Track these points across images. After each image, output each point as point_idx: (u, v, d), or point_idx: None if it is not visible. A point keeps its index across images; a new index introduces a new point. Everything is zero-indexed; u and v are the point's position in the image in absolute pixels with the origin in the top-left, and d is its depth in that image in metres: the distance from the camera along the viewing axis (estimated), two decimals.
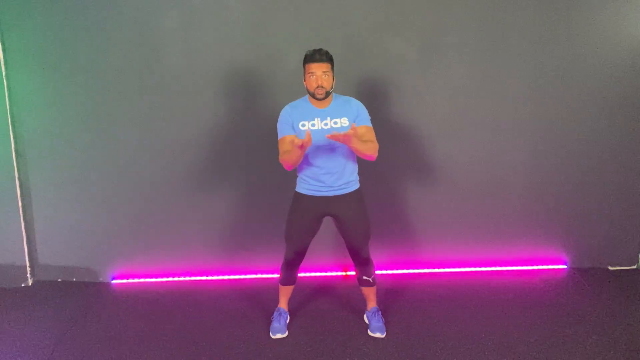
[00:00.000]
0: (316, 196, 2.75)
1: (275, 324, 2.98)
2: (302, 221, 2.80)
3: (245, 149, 3.47)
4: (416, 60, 3.42)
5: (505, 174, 3.62)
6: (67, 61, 3.30)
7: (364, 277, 2.96)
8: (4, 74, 3.31)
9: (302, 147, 2.44)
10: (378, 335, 2.94)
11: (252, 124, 3.42)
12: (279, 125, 2.72)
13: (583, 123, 3.56)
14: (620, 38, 3.42)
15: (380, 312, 3.05)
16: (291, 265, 2.92)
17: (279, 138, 2.72)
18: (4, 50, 3.29)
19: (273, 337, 2.93)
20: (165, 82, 3.35)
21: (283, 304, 3.07)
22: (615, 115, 3.55)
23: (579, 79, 3.48)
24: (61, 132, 3.40)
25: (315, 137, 2.64)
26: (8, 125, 3.36)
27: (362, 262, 2.92)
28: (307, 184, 2.76)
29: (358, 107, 2.73)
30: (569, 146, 3.59)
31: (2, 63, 3.30)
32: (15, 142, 3.42)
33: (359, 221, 2.81)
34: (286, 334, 2.95)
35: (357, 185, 2.82)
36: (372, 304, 3.06)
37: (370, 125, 2.73)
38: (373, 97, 3.42)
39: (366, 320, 3.08)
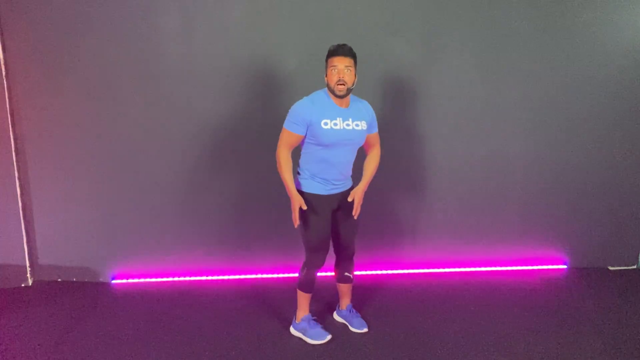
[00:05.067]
0: (328, 194, 2.72)
1: (316, 330, 2.90)
2: (325, 223, 2.73)
3: (246, 149, 3.47)
4: (416, 61, 3.42)
5: (505, 174, 3.62)
6: (67, 61, 3.30)
7: (346, 274, 2.97)
8: (4, 74, 3.31)
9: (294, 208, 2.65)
10: (365, 330, 2.97)
11: (252, 124, 3.42)
12: (292, 116, 2.59)
13: (583, 124, 3.56)
14: (621, 39, 3.43)
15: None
16: (317, 271, 2.85)
17: (286, 127, 2.61)
18: (4, 50, 3.29)
19: (324, 340, 2.86)
20: (165, 82, 3.35)
21: (307, 311, 2.97)
22: (615, 115, 3.55)
23: (579, 80, 3.49)
24: (61, 132, 3.40)
25: (338, 136, 2.59)
26: (8, 125, 3.36)
27: (348, 258, 2.93)
28: (318, 183, 2.70)
29: (372, 113, 2.77)
30: (569, 146, 3.60)
31: (2, 63, 3.30)
32: (15, 142, 3.42)
33: (353, 217, 2.81)
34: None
35: (352, 180, 2.86)
36: (348, 301, 3.08)
37: (377, 131, 2.81)
38: (374, 97, 3.42)
39: (338, 319, 3.09)
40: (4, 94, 3.31)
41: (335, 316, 3.13)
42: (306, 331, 2.91)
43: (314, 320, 2.96)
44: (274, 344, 2.89)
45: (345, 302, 3.08)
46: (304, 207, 2.64)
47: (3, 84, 3.30)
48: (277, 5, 3.29)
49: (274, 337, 2.95)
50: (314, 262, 2.79)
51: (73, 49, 3.28)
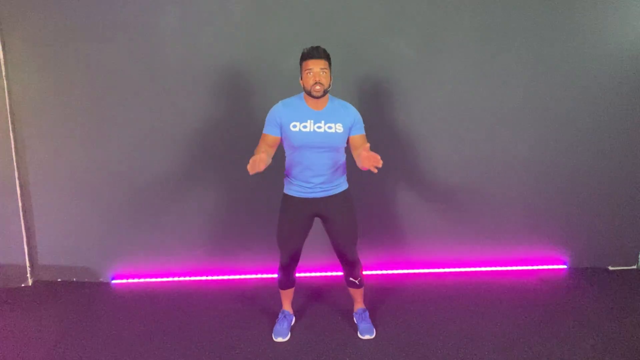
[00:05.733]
0: (305, 198, 2.71)
1: (277, 327, 2.97)
2: (293, 224, 2.76)
3: (245, 149, 3.46)
4: (415, 60, 3.42)
5: (505, 174, 3.62)
6: (67, 61, 3.30)
7: (351, 279, 2.95)
8: (4, 74, 3.31)
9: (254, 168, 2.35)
10: (367, 337, 2.93)
11: (251, 124, 3.42)
12: (266, 120, 2.67)
13: (583, 123, 3.56)
14: (620, 38, 3.43)
15: (367, 312, 3.05)
16: (287, 269, 2.90)
17: (263, 131, 2.67)
18: (4, 50, 3.29)
19: (275, 340, 2.92)
20: (164, 82, 3.36)
21: (287, 307, 3.06)
22: (615, 115, 3.55)
23: (579, 79, 3.48)
24: (61, 132, 3.40)
25: (307, 139, 2.59)
26: (8, 125, 3.36)
27: (348, 264, 2.89)
28: (296, 186, 2.72)
29: (355, 115, 2.68)
30: (569, 146, 3.60)
31: (2, 63, 3.30)
32: (15, 142, 3.42)
33: (346, 222, 2.77)
34: (288, 337, 2.93)
35: (345, 186, 2.80)
36: (359, 305, 3.06)
37: (364, 133, 2.70)
38: (372, 97, 3.43)
39: (355, 322, 3.08)
40: (4, 94, 3.31)
41: (353, 318, 3.12)
42: (276, 322, 3.01)
43: (286, 317, 3.01)
44: (274, 344, 2.89)
45: (355, 305, 3.08)
46: (260, 166, 2.36)
47: (3, 84, 3.31)
48: (277, 6, 3.29)
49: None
50: (281, 260, 2.87)
51: (73, 49, 3.28)
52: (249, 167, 2.35)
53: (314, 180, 2.67)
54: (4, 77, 3.31)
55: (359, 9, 3.32)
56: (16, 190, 3.45)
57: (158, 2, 3.25)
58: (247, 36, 3.32)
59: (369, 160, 2.34)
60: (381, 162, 2.31)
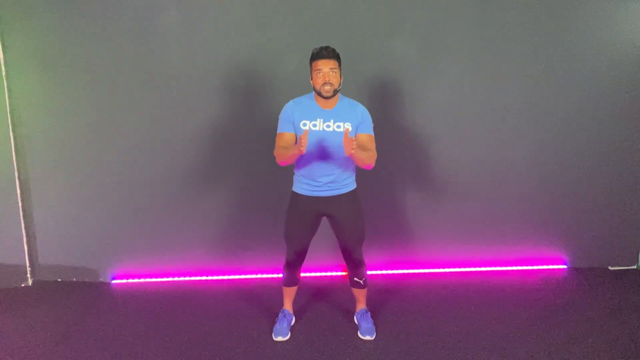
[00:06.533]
0: (312, 196, 2.73)
1: (277, 326, 2.97)
2: (300, 221, 2.78)
3: (245, 149, 3.47)
4: (416, 61, 3.41)
5: (505, 174, 3.62)
6: (67, 61, 3.30)
7: (355, 279, 2.95)
8: (4, 74, 3.30)
9: (299, 153, 2.48)
10: (368, 337, 2.93)
11: (252, 124, 3.42)
12: (279, 120, 2.70)
13: (583, 124, 3.56)
14: (621, 38, 3.42)
15: (369, 313, 3.05)
16: (292, 266, 2.90)
17: (277, 132, 2.70)
18: (4, 50, 3.29)
19: (274, 339, 2.92)
20: (165, 82, 3.35)
21: (287, 306, 3.06)
22: (615, 115, 3.55)
23: (580, 80, 3.48)
24: (61, 132, 3.40)
25: (315, 137, 2.62)
26: (8, 125, 3.36)
27: (354, 264, 2.90)
28: (303, 184, 2.74)
29: (363, 114, 2.69)
30: (569, 146, 3.59)
31: (2, 63, 3.30)
32: (15, 142, 3.42)
33: (353, 222, 2.79)
34: (288, 336, 2.93)
35: (353, 186, 2.81)
36: (361, 306, 3.06)
37: (372, 134, 2.71)
38: (373, 98, 3.43)
39: (356, 322, 3.08)
40: (4, 94, 3.31)
41: (354, 318, 3.12)
42: (276, 321, 3.00)
43: (285, 316, 3.01)
44: (274, 344, 2.89)
45: (358, 305, 3.08)
46: (303, 145, 2.43)
47: (3, 84, 3.30)
48: (276, 6, 3.29)
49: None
50: (287, 255, 2.88)
51: (73, 49, 3.28)
52: (297, 148, 2.45)
53: (322, 179, 2.69)
54: (4, 77, 3.30)
55: (360, 9, 3.32)
56: (16, 190, 3.44)
57: (159, 2, 3.24)
58: (249, 36, 3.32)
59: (345, 143, 2.43)
60: (354, 144, 2.40)
